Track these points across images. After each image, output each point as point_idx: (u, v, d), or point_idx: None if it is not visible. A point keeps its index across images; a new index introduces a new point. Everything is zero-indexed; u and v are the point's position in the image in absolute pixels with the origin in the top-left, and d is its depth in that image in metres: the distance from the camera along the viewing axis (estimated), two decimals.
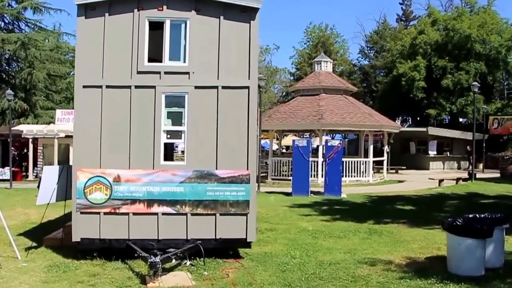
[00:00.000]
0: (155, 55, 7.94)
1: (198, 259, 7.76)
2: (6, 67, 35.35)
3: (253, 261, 7.89)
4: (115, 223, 7.76)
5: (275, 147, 34.21)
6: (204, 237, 7.82)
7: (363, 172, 23.75)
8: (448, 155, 35.03)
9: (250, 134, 7.86)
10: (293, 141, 19.52)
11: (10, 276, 6.97)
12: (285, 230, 10.93)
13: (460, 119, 42.00)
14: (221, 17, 7.81)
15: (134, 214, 7.76)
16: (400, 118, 47.54)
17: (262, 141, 31.37)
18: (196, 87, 7.80)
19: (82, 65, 7.76)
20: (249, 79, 7.85)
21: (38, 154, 24.84)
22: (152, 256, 6.74)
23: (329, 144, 18.70)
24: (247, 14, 7.83)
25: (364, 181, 23.51)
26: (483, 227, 6.80)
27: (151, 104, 7.77)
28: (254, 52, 7.87)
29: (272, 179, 23.75)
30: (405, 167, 30.83)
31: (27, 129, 25.46)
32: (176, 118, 7.92)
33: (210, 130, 7.82)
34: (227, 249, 7.99)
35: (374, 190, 20.24)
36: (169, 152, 7.98)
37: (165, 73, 7.78)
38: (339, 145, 18.44)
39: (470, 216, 7.46)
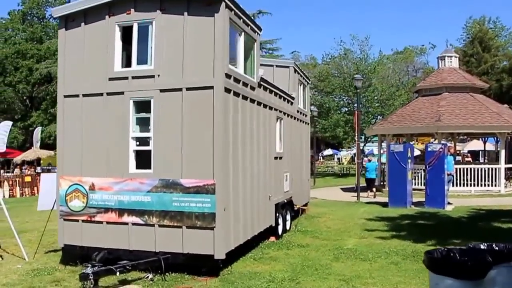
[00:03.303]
0: (128, 61, 7.74)
1: (170, 273, 7.30)
2: None
3: (222, 282, 7.06)
4: (92, 231, 7.74)
5: (417, 152, 31.27)
6: (173, 250, 7.30)
7: (496, 181, 20.14)
8: None
9: (215, 140, 7.10)
10: (388, 146, 17.51)
11: None
12: (317, 246, 9.70)
13: None
14: (185, 14, 7.25)
15: (108, 223, 7.64)
16: None
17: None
18: (161, 91, 7.36)
19: (64, 76, 7.97)
20: (213, 77, 7.11)
21: None
22: (89, 266, 6.49)
23: (429, 149, 16.26)
24: (211, 7, 7.12)
25: (494, 191, 19.88)
26: (468, 263, 4.90)
27: (121, 111, 7.58)
28: (220, 48, 7.10)
29: None
30: None
31: None
32: (144, 124, 7.59)
33: (175, 135, 7.29)
34: (198, 265, 7.31)
35: (496, 202, 16.88)
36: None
37: (133, 77, 7.52)
38: (440, 149, 15.88)
39: (471, 245, 5.51)
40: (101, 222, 7.67)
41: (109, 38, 7.61)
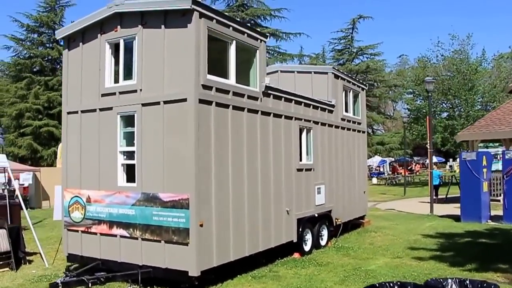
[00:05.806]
0: (117, 77, 7.90)
1: (152, 286, 7.27)
2: None
3: None
4: (89, 242, 8.00)
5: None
6: (154, 264, 7.24)
7: None
8: None
9: (189, 153, 6.90)
10: (460, 154, 15.74)
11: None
12: (336, 266, 8.99)
13: None
14: (163, 26, 7.20)
15: (101, 234, 7.83)
16: None
17: None
18: (143, 105, 7.38)
19: (67, 93, 8.39)
20: (187, 90, 6.93)
21: None
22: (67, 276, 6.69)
23: (507, 157, 14.31)
24: (185, 17, 6.98)
25: None
26: None
27: (110, 125, 7.75)
28: (192, 59, 6.91)
29: None
30: None
31: None
32: (130, 138, 7.66)
33: (157, 149, 7.24)
34: (179, 281, 7.13)
35: None
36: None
37: (120, 93, 7.65)
38: None
39: (433, 280, 4.67)
40: (95, 233, 7.89)
41: (101, 56, 7.85)
